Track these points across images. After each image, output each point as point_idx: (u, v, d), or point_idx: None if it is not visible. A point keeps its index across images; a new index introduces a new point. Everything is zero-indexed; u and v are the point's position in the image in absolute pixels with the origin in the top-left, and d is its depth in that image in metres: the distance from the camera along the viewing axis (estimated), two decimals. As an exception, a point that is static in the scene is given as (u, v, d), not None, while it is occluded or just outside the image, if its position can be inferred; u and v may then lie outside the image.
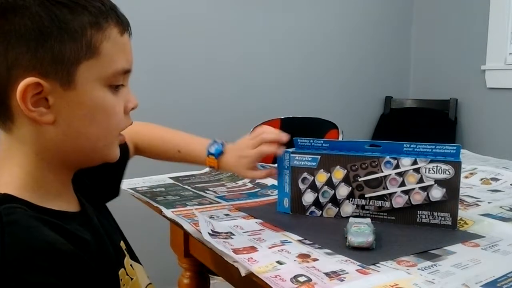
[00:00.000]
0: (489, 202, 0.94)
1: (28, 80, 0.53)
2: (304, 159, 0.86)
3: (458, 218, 0.81)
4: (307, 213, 0.86)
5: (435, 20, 2.66)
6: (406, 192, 0.80)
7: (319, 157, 0.84)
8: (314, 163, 0.85)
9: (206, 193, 1.03)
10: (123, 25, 0.60)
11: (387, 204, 0.81)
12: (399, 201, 0.80)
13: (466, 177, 1.15)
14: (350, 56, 2.59)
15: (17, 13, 0.53)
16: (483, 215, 0.85)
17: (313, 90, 2.49)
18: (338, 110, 2.50)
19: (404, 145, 0.81)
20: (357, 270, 0.61)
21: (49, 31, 0.54)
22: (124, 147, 0.87)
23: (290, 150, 0.87)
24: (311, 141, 0.86)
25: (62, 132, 0.57)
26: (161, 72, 2.04)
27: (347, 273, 0.60)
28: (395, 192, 0.80)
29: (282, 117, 2.23)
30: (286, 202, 0.87)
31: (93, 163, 0.65)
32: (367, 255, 0.66)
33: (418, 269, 0.62)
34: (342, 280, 0.58)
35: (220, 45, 2.19)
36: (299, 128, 2.15)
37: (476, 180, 1.13)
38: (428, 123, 2.55)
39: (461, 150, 1.54)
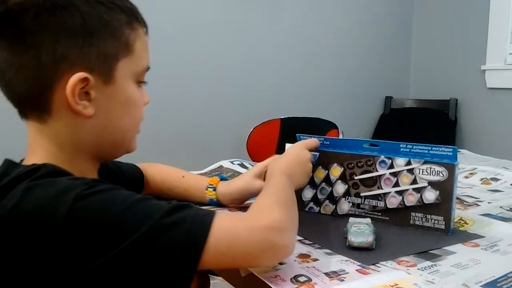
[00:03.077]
0: (489, 202, 0.94)
1: (79, 75, 0.57)
2: None
3: (458, 218, 0.81)
4: (306, 209, 0.87)
5: (435, 20, 2.67)
6: (400, 192, 0.79)
7: (318, 154, 0.84)
8: (313, 160, 0.85)
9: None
10: (146, 26, 0.65)
11: (381, 204, 0.81)
12: (393, 202, 0.80)
13: (466, 177, 1.15)
14: (350, 56, 2.59)
15: (66, 11, 0.56)
16: (483, 215, 0.85)
17: (313, 90, 2.49)
18: (338, 110, 2.50)
19: (401, 145, 0.80)
20: (357, 270, 0.61)
21: (95, 28, 0.57)
22: (141, 176, 0.90)
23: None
24: (313, 138, 0.86)
25: (99, 124, 0.61)
26: (162, 72, 2.04)
27: (347, 273, 0.60)
28: (389, 192, 0.80)
29: (282, 117, 2.24)
30: None
31: (118, 154, 0.69)
32: (367, 255, 0.66)
33: (418, 269, 0.62)
34: (342, 280, 0.58)
35: (221, 46, 2.19)
36: (299, 128, 2.15)
37: (476, 180, 1.13)
38: (428, 123, 2.56)
39: (461, 150, 1.55)
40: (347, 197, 0.84)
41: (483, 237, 0.74)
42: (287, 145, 0.85)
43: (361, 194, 0.82)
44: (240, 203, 0.87)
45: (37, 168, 0.56)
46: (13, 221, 0.52)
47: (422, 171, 0.77)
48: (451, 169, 0.75)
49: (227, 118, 2.24)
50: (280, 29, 2.35)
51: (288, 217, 0.60)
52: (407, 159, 0.78)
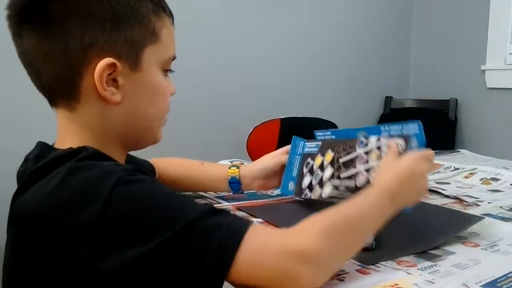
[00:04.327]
0: (489, 202, 0.94)
1: (107, 60, 0.57)
2: (311, 147, 0.91)
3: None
4: (302, 196, 0.88)
5: (435, 20, 2.66)
6: (369, 170, 0.77)
7: (320, 143, 0.89)
8: (316, 149, 0.89)
9: (206, 193, 1.03)
10: (172, 16, 0.66)
11: (352, 184, 0.78)
12: (361, 180, 0.77)
13: (466, 177, 1.15)
14: (350, 56, 2.59)
15: None
16: (483, 215, 0.85)
17: (313, 90, 2.49)
18: (338, 110, 2.50)
19: (381, 127, 0.79)
20: (357, 270, 0.61)
21: (122, 15, 0.58)
22: (153, 169, 0.91)
23: (305, 140, 0.93)
24: (325, 133, 0.91)
25: (126, 112, 0.61)
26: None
27: (347, 273, 0.60)
28: (360, 171, 0.78)
29: (282, 117, 2.24)
30: (291, 185, 0.92)
31: (145, 144, 0.69)
32: (367, 255, 0.66)
33: (418, 269, 0.62)
34: (342, 280, 0.58)
35: (221, 45, 2.19)
36: (299, 128, 2.15)
37: (476, 180, 1.13)
38: (428, 123, 2.54)
39: (461, 150, 1.55)
40: (331, 180, 0.83)
41: (483, 237, 0.74)
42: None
43: (341, 176, 0.81)
44: (261, 186, 0.93)
45: (79, 150, 0.56)
46: (55, 199, 0.52)
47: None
48: (407, 140, 0.73)
49: (227, 118, 2.24)
50: (280, 29, 2.35)
51: (330, 249, 0.53)
52: (378, 136, 0.77)
